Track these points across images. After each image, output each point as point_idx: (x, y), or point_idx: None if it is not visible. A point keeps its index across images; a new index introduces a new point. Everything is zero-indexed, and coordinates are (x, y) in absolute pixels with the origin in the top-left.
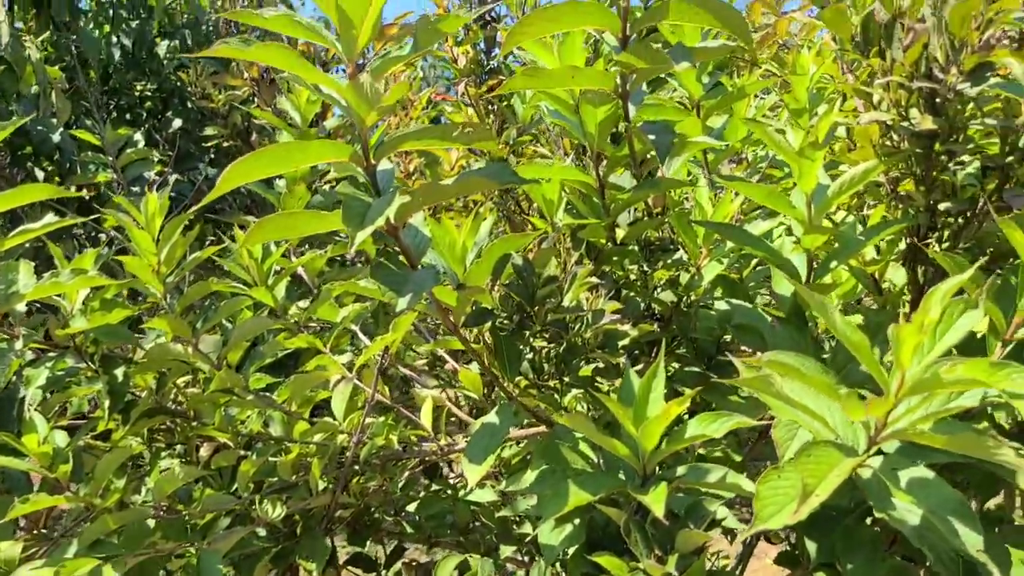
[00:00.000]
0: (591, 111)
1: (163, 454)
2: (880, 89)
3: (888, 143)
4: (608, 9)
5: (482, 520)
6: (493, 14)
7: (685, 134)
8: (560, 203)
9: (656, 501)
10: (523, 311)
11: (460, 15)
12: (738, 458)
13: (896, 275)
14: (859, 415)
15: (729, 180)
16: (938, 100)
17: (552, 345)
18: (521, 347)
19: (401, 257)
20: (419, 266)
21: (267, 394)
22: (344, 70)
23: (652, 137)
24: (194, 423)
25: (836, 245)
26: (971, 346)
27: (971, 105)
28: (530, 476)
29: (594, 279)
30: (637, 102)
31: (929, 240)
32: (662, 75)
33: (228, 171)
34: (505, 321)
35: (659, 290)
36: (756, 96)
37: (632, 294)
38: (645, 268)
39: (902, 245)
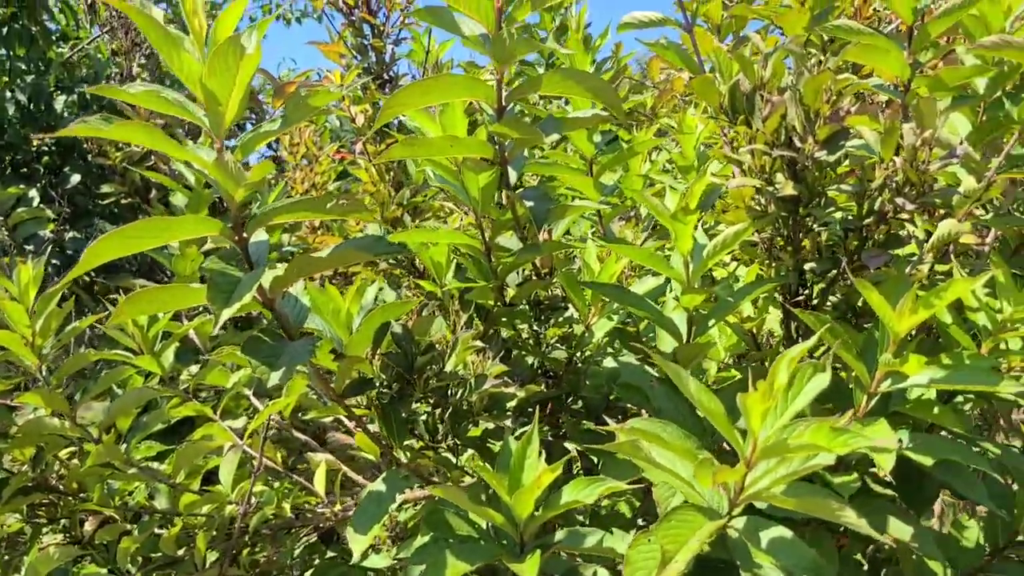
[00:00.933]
0: (473, 177)
1: (45, 530)
2: (747, 155)
3: (757, 206)
4: (483, 82)
5: None
6: (391, 73)
7: (577, 191)
8: (449, 265)
9: (528, 571)
10: (403, 379)
11: (333, 91)
12: (628, 515)
13: (779, 328)
14: (707, 483)
15: (610, 242)
16: (798, 167)
17: (438, 410)
18: (406, 414)
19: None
20: (298, 335)
21: (152, 465)
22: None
23: (530, 204)
24: (80, 495)
25: (714, 303)
26: (841, 393)
27: (829, 170)
28: (418, 542)
29: (479, 343)
30: (518, 168)
31: (800, 297)
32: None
33: (91, 248)
34: (386, 390)
35: (551, 349)
36: (657, 148)
37: (523, 354)
38: (536, 328)
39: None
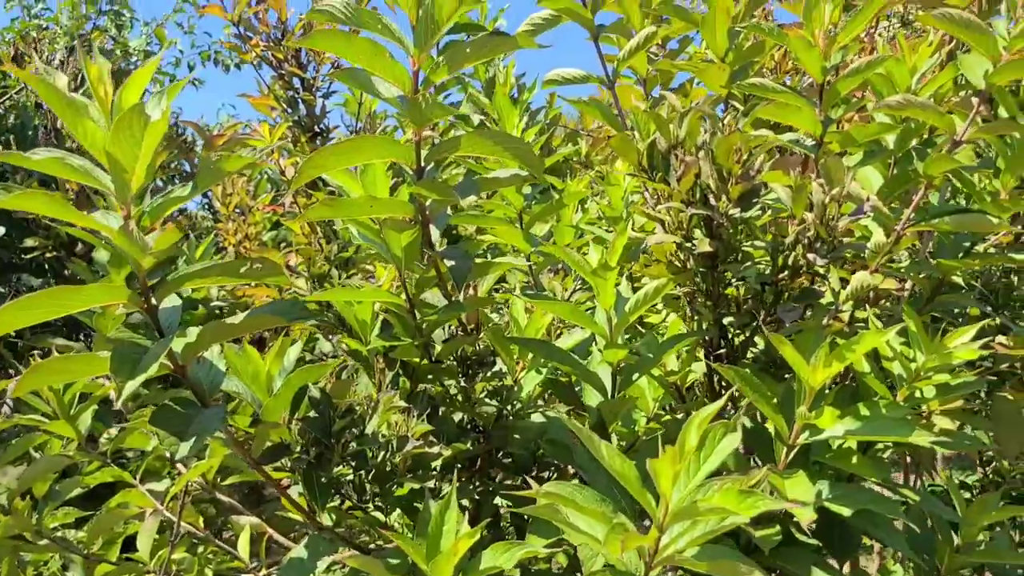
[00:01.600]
0: (395, 236)
1: None
2: (665, 212)
3: (676, 262)
4: (401, 144)
5: None
6: (323, 126)
7: (507, 244)
8: (375, 323)
9: None
10: (321, 444)
11: (245, 156)
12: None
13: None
14: (616, 550)
15: (534, 298)
16: (715, 224)
17: (362, 472)
18: (326, 479)
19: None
20: (213, 401)
21: (70, 533)
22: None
23: (451, 264)
24: None
25: (639, 357)
26: (764, 444)
27: (743, 227)
28: None
29: (402, 403)
30: (440, 225)
31: (722, 350)
32: None
33: None
34: (303, 456)
35: (479, 404)
36: (597, 194)
37: (451, 411)
38: (464, 383)
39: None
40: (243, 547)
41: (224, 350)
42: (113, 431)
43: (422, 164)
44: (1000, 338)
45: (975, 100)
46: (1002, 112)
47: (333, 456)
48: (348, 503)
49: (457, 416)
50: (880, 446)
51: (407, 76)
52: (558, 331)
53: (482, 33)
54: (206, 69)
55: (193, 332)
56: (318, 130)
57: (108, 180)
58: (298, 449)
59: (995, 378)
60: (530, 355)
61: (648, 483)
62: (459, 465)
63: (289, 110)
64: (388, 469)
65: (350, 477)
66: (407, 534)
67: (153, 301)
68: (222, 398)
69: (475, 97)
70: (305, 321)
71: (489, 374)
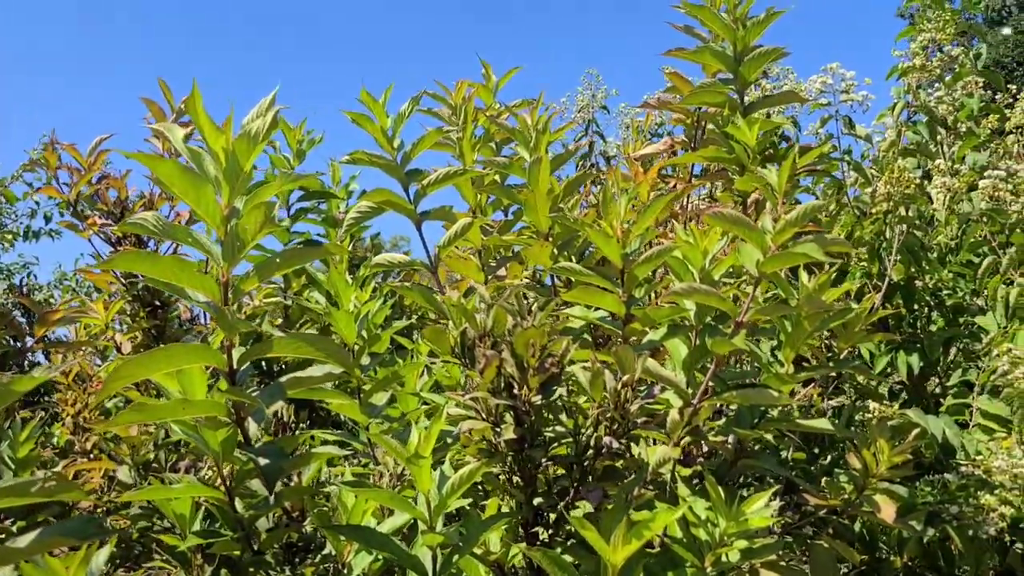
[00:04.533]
0: (211, 434)
1: None
2: (474, 401)
3: (487, 446)
4: (213, 350)
5: None
6: (162, 299)
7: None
8: (195, 516)
9: None
10: None
11: (40, 376)
12: None
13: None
14: None
15: (355, 487)
16: (519, 411)
17: None
18: None
19: None
20: None
21: None
22: None
23: (265, 462)
24: None
25: (459, 539)
26: None
27: (546, 413)
28: None
29: None
30: (258, 420)
31: (537, 528)
32: None
33: None
34: None
35: None
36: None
37: None
38: (291, 571)
39: None
40: None
41: (20, 566)
42: None
43: (234, 367)
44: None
45: (750, 287)
46: (780, 293)
47: None
48: None
49: None
50: None
51: (216, 287)
52: (390, 511)
53: (295, 243)
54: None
55: None
56: (157, 304)
57: None
58: None
59: (814, 528)
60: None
61: None
62: None
63: (127, 284)
64: None
65: None
66: None
67: None
68: None
69: (311, 274)
70: (101, 538)
71: (319, 559)
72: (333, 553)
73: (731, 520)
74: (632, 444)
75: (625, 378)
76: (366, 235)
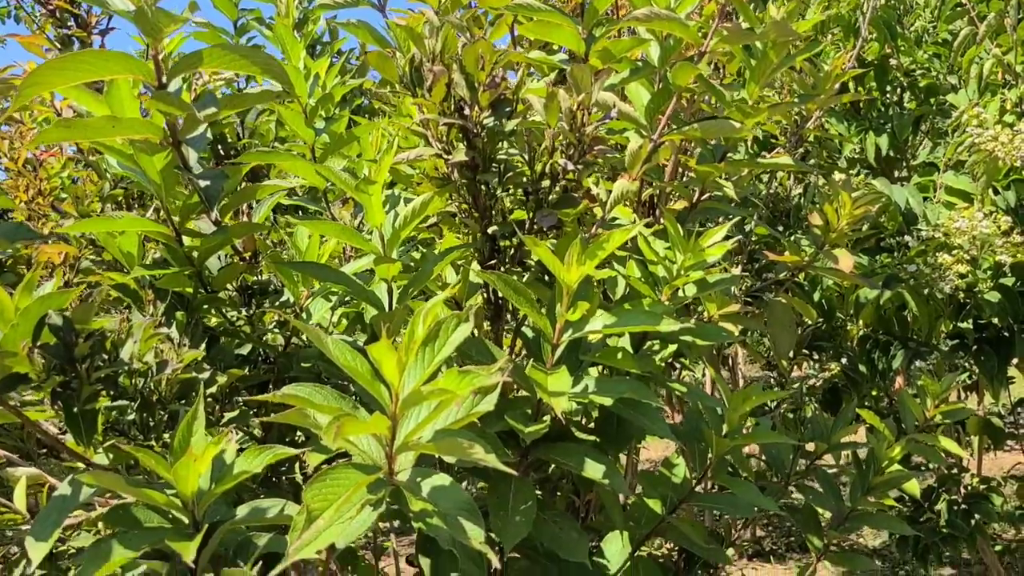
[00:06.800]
0: (148, 161)
1: None
2: (425, 126)
3: (440, 176)
4: (137, 60)
5: None
6: None
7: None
8: (142, 255)
9: (185, 550)
10: (64, 371)
11: None
12: None
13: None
14: (330, 437)
15: (305, 221)
16: (471, 134)
17: (121, 402)
18: (89, 413)
19: None
20: None
21: None
22: None
23: (205, 184)
24: None
25: (414, 273)
26: (540, 346)
27: (499, 136)
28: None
29: (164, 330)
30: (198, 147)
31: (493, 261)
32: None
33: None
34: (42, 384)
35: (266, 334)
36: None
37: (232, 341)
38: (248, 313)
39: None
40: (19, 499)
41: None
42: None
43: (163, 80)
44: (768, 254)
45: (717, 16)
46: (743, 24)
47: (82, 385)
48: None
49: (247, 349)
50: (656, 348)
51: None
52: (348, 258)
53: None
54: None
55: None
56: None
57: None
58: (38, 377)
59: (774, 287)
60: (314, 285)
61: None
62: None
63: (62, 49)
64: (155, 398)
65: (132, 416)
66: None
67: None
68: None
69: (257, 28)
70: (33, 241)
71: (278, 303)
72: (292, 300)
73: (688, 252)
74: (592, 185)
75: (581, 97)
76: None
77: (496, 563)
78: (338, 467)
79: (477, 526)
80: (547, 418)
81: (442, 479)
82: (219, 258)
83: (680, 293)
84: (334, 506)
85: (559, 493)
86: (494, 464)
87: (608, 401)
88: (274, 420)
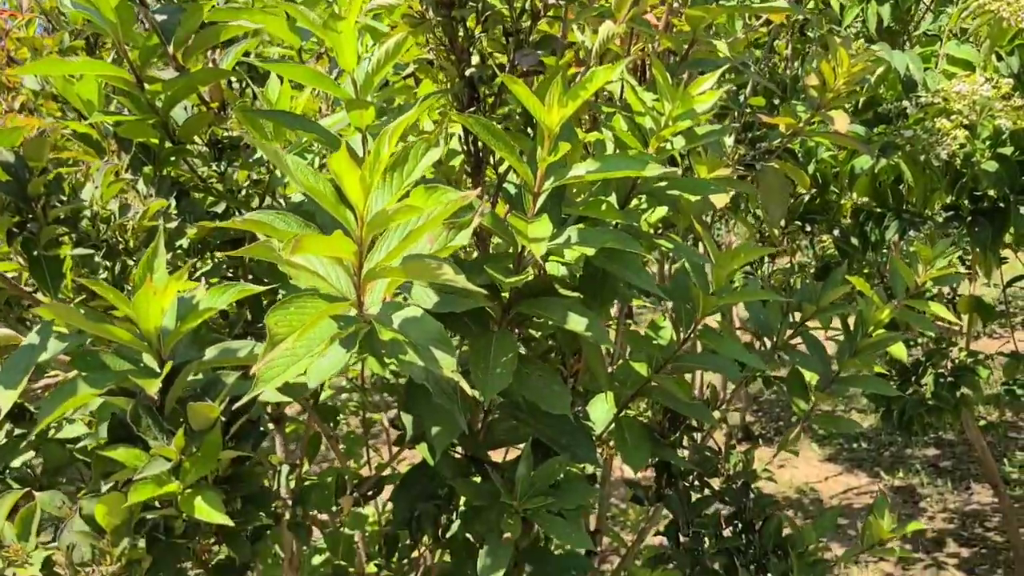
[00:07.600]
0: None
1: None
2: None
3: (415, 15)
4: None
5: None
6: None
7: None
8: (103, 103)
9: (149, 385)
10: (20, 211)
11: None
12: None
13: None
14: (287, 254)
15: (270, 63)
16: None
17: (83, 249)
18: (54, 260)
19: None
20: None
21: None
22: None
23: (162, 18)
24: None
25: (387, 120)
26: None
27: None
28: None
29: (128, 176)
30: None
31: (473, 107)
32: None
33: None
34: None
35: (241, 192)
36: None
37: (203, 196)
38: (218, 169)
39: None
40: None
41: None
42: None
43: None
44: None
45: None
46: None
47: (41, 227)
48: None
49: (222, 207)
50: (644, 206)
51: None
52: (327, 113)
53: None
54: None
55: None
56: None
57: None
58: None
59: (767, 154)
60: (291, 138)
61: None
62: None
63: None
64: (121, 247)
65: (100, 268)
66: None
67: None
68: None
69: None
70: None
71: (251, 160)
72: (265, 158)
73: (677, 101)
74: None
75: None
76: None
77: (471, 392)
78: (303, 294)
79: (448, 355)
80: (529, 270)
81: (413, 311)
82: (185, 108)
83: (668, 146)
84: (298, 332)
85: (546, 364)
86: (464, 285)
87: (591, 251)
88: (239, 253)
